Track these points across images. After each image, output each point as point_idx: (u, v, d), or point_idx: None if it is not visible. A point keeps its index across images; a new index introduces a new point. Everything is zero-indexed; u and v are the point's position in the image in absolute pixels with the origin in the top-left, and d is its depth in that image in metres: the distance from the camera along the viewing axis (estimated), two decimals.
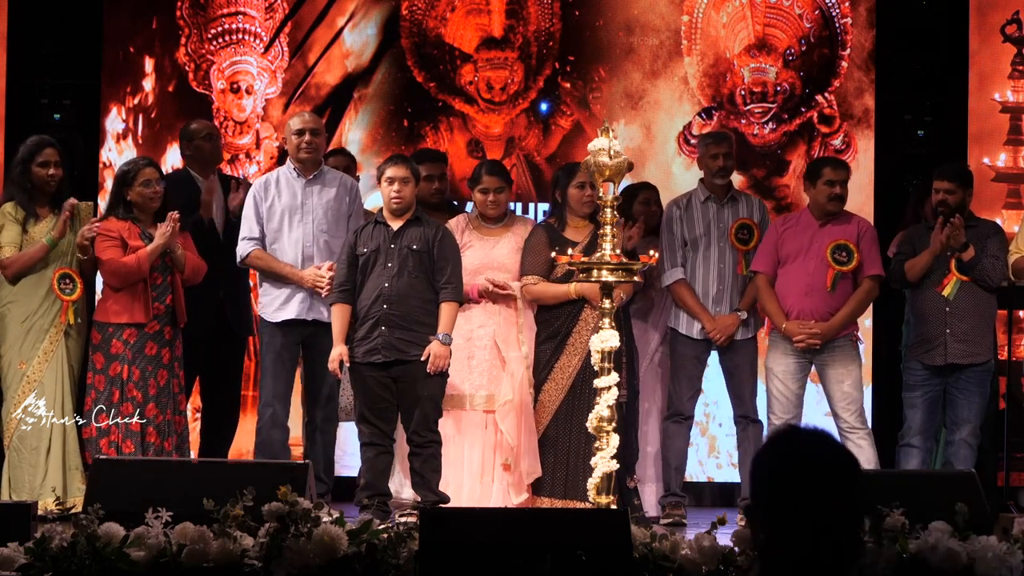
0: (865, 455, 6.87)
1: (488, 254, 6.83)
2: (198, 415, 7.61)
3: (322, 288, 6.73)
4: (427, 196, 7.07)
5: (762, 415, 7.91)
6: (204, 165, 7.29)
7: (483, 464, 6.79)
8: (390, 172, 6.54)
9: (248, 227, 6.87)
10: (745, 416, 7.13)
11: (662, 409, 7.26)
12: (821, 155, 8.17)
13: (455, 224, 6.91)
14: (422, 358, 6.43)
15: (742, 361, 7.11)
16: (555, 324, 6.69)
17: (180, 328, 6.76)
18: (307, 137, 6.85)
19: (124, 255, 6.61)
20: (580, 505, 6.34)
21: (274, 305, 6.82)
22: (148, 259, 6.57)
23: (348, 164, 7.47)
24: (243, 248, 6.87)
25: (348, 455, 7.51)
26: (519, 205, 8.31)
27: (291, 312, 6.78)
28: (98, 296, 6.89)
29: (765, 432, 7.24)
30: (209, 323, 6.98)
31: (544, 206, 8.16)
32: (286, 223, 6.84)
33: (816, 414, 7.36)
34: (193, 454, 7.07)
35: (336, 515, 4.69)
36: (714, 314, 7.05)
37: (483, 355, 6.78)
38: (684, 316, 7.10)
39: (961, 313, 6.90)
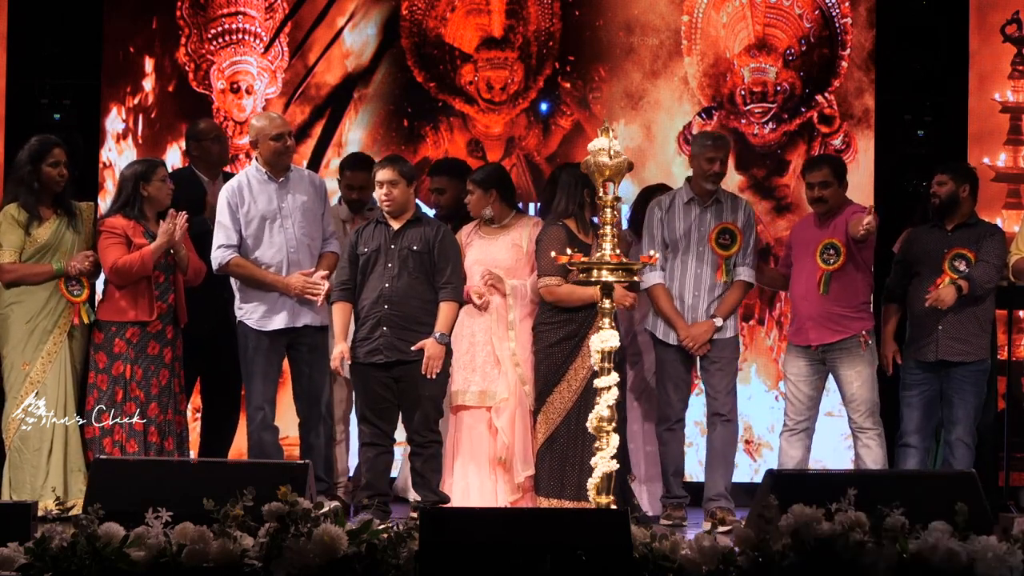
0: (873, 456, 6.88)
1: (485, 250, 6.84)
2: (198, 415, 7.62)
3: (315, 297, 6.69)
4: (432, 207, 7.13)
5: (757, 417, 7.95)
6: (210, 166, 7.28)
7: (479, 460, 6.80)
8: (378, 176, 6.57)
9: (225, 234, 6.73)
10: (717, 414, 6.96)
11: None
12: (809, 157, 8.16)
13: (466, 228, 6.91)
14: (413, 348, 6.43)
15: (719, 357, 6.93)
16: (571, 326, 6.65)
17: (181, 327, 6.77)
18: (288, 142, 6.77)
19: (127, 252, 6.62)
20: (581, 506, 6.33)
21: (258, 313, 6.72)
22: (152, 257, 6.58)
23: (366, 183, 7.27)
24: (221, 256, 6.72)
25: (354, 455, 7.50)
26: (518, 205, 8.30)
27: (279, 323, 6.71)
28: (98, 296, 6.89)
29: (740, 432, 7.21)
30: (211, 323, 6.96)
31: None
32: (266, 229, 6.74)
33: (819, 414, 7.33)
34: (193, 454, 7.07)
35: (334, 504, 4.70)
36: (689, 321, 6.91)
37: (479, 350, 6.79)
38: (662, 321, 6.97)
39: (955, 310, 6.88)
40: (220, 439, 7.23)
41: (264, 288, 6.70)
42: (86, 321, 6.67)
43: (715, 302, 6.93)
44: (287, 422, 7.13)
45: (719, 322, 6.90)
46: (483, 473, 6.77)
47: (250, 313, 6.74)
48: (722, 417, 6.96)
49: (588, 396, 6.53)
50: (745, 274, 6.98)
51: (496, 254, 6.82)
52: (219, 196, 6.81)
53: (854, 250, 6.84)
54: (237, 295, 6.78)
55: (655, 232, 6.98)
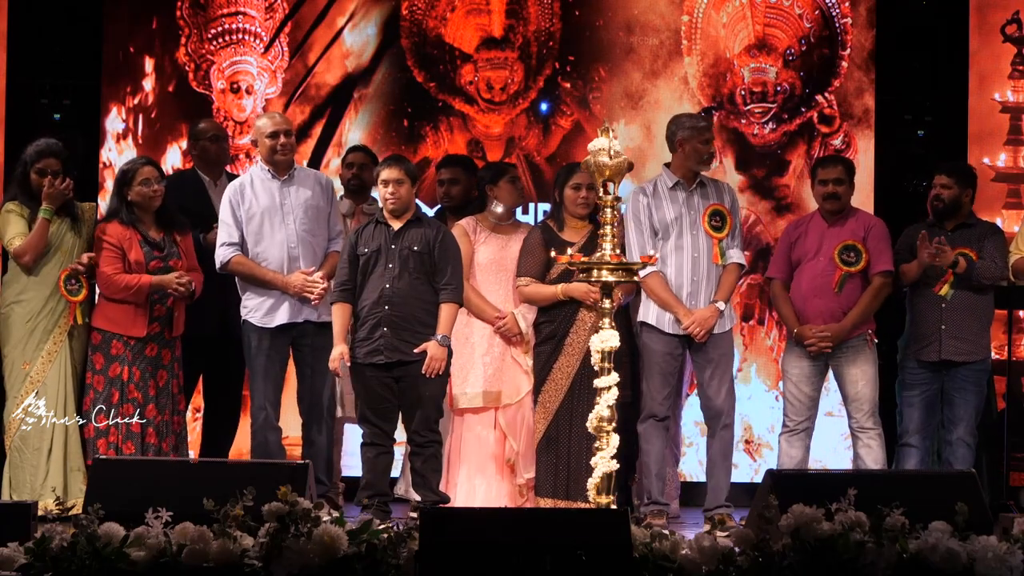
0: (874, 456, 6.87)
1: (502, 250, 6.89)
2: (198, 415, 7.62)
3: (312, 296, 6.70)
4: (440, 200, 7.28)
5: (757, 417, 7.91)
6: (210, 166, 7.30)
7: (487, 464, 6.83)
8: (384, 174, 6.56)
9: (227, 232, 6.77)
10: (716, 419, 6.82)
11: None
12: (821, 155, 8.16)
13: (465, 225, 6.93)
14: (416, 351, 6.44)
15: (716, 356, 6.79)
16: (552, 326, 6.71)
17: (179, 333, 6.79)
18: (282, 139, 6.80)
19: (122, 267, 6.60)
20: (582, 506, 6.34)
21: (262, 310, 6.75)
22: (147, 291, 6.59)
23: (365, 161, 7.39)
24: (223, 254, 6.77)
25: (348, 455, 7.51)
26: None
27: (282, 318, 6.74)
28: (97, 298, 6.88)
29: (737, 437, 7.11)
30: (213, 323, 6.98)
31: (544, 206, 8.17)
32: (267, 226, 6.78)
33: (818, 413, 7.32)
34: (193, 454, 7.07)
35: (336, 515, 4.70)
36: (690, 307, 6.73)
37: (495, 351, 6.82)
38: (654, 309, 6.78)
39: (957, 310, 6.90)
40: (221, 439, 7.23)
41: (265, 286, 6.72)
42: (79, 322, 6.67)
43: (714, 286, 6.77)
44: (289, 422, 7.13)
45: (722, 306, 6.74)
46: (490, 477, 6.79)
47: (254, 311, 6.76)
48: (721, 423, 6.81)
49: (574, 395, 6.63)
50: (737, 256, 6.85)
51: (513, 254, 6.88)
52: (223, 195, 6.84)
53: (872, 254, 6.84)
54: (242, 293, 6.81)
55: (643, 218, 6.82)
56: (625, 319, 6.79)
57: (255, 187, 6.81)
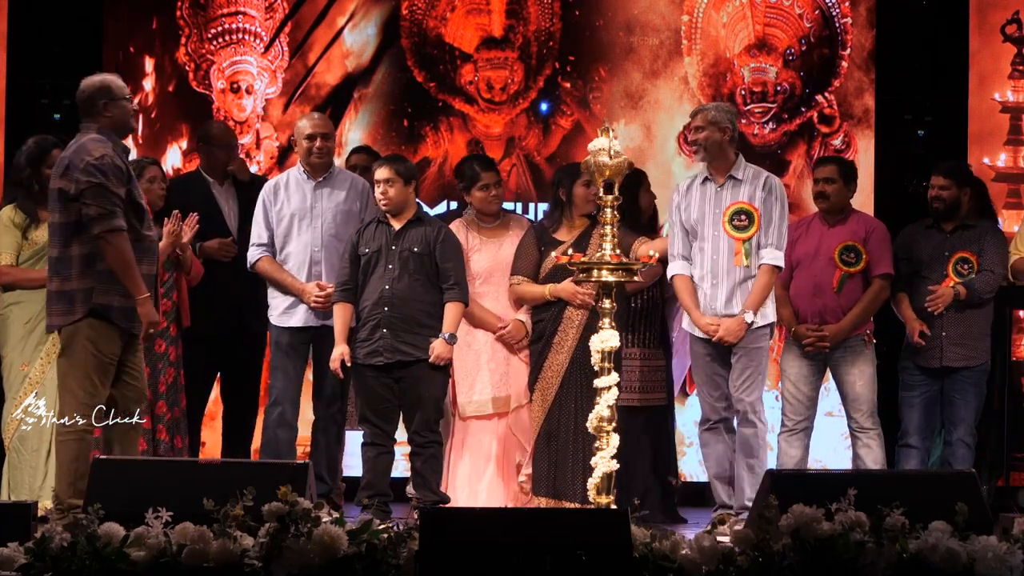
0: (873, 456, 6.87)
1: (496, 256, 6.87)
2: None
3: (319, 307, 6.72)
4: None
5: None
6: (216, 169, 7.32)
7: (490, 463, 6.84)
8: (376, 174, 6.60)
9: (257, 233, 6.88)
10: (736, 412, 6.55)
11: None
12: (821, 155, 8.16)
13: (458, 227, 6.92)
14: (428, 356, 6.45)
15: (741, 346, 6.45)
16: (540, 326, 6.73)
17: (184, 328, 6.78)
18: (318, 142, 6.84)
19: None
20: (570, 505, 6.36)
21: (280, 309, 6.83)
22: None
23: (368, 163, 7.39)
24: (252, 255, 6.89)
25: (349, 455, 7.51)
26: (519, 205, 8.33)
27: (298, 320, 6.80)
28: None
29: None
30: (229, 322, 7.02)
31: (544, 206, 8.16)
32: (295, 227, 6.83)
33: (818, 413, 7.33)
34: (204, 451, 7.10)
35: (336, 515, 4.70)
36: (709, 312, 6.47)
37: (499, 356, 6.84)
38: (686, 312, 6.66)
39: (957, 316, 6.91)
40: (240, 438, 7.25)
41: (284, 290, 6.78)
42: None
43: (737, 290, 6.48)
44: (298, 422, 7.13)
45: (749, 317, 6.38)
46: (491, 478, 6.80)
47: (274, 309, 6.86)
48: (739, 415, 6.53)
49: (563, 394, 6.61)
50: (769, 257, 6.46)
51: (507, 258, 6.85)
52: (259, 194, 6.91)
53: (872, 257, 6.85)
54: (267, 291, 6.90)
55: (675, 218, 6.61)
56: (630, 319, 6.79)
57: (289, 188, 6.88)
